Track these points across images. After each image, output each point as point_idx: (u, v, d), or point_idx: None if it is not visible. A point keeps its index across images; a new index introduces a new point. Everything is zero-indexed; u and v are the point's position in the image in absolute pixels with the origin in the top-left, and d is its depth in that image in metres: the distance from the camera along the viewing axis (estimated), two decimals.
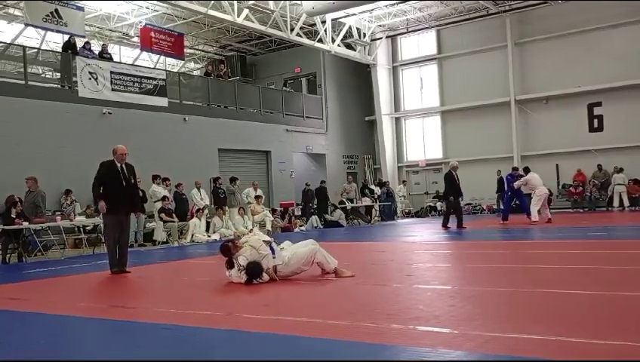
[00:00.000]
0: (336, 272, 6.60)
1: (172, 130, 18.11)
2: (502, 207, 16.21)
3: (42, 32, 18.47)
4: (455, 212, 15.14)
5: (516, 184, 15.58)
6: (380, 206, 22.91)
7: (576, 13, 21.78)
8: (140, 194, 11.40)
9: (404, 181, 25.50)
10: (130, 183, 8.53)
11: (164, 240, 14.57)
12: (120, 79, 17.00)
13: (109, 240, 8.53)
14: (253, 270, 6.36)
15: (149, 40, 20.07)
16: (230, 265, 6.62)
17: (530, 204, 15.13)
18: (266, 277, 6.44)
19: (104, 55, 17.82)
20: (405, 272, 7.28)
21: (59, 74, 16.92)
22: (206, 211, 15.92)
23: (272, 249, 6.59)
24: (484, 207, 23.50)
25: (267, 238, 6.80)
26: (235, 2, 18.87)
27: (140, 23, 21.13)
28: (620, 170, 20.57)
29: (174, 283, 7.41)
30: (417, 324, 4.09)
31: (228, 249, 6.65)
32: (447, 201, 15.59)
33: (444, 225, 14.84)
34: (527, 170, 16.02)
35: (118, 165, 8.39)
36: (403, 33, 25.81)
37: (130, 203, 8.66)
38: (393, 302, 5.09)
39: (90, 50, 17.64)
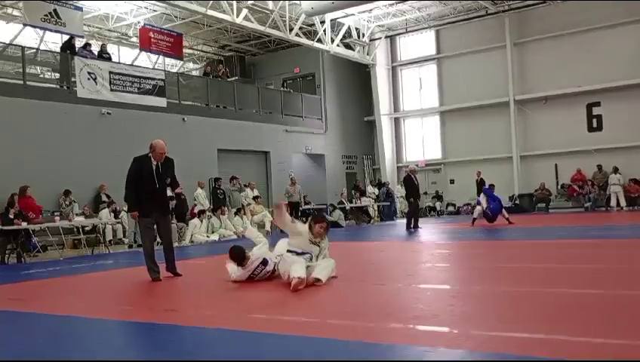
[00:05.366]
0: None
1: (171, 130, 17.99)
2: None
3: (41, 32, 18.45)
4: (414, 213, 15.83)
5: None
6: (379, 206, 22.90)
7: (575, 13, 21.75)
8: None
9: (385, 182, 25.20)
10: (164, 184, 7.62)
11: None
12: (119, 79, 16.96)
13: (144, 244, 7.80)
14: (237, 254, 6.45)
15: (147, 40, 20.04)
16: (239, 262, 6.54)
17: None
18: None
19: (103, 55, 17.80)
20: (405, 272, 7.27)
21: (57, 74, 16.89)
22: (208, 213, 15.89)
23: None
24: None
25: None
26: (234, 2, 18.83)
27: (139, 23, 21.11)
28: (616, 170, 20.56)
29: (174, 284, 7.39)
30: (417, 324, 4.08)
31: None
32: (409, 203, 16.29)
33: (408, 228, 15.31)
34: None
35: (154, 163, 7.53)
36: (402, 33, 25.78)
37: (162, 204, 7.70)
38: (393, 302, 5.09)
39: (90, 51, 17.61)
